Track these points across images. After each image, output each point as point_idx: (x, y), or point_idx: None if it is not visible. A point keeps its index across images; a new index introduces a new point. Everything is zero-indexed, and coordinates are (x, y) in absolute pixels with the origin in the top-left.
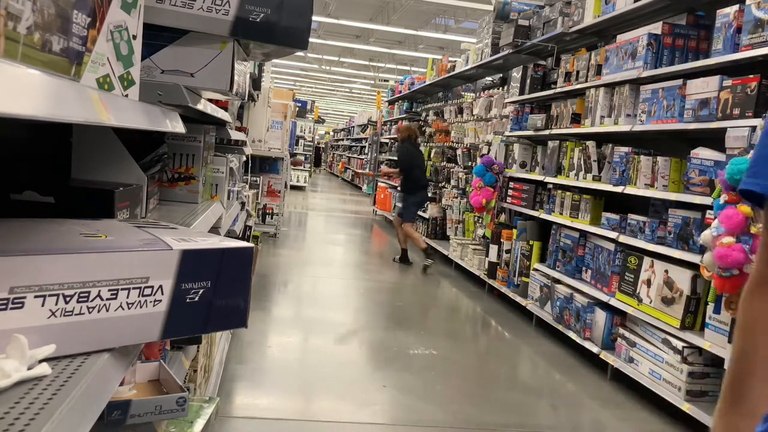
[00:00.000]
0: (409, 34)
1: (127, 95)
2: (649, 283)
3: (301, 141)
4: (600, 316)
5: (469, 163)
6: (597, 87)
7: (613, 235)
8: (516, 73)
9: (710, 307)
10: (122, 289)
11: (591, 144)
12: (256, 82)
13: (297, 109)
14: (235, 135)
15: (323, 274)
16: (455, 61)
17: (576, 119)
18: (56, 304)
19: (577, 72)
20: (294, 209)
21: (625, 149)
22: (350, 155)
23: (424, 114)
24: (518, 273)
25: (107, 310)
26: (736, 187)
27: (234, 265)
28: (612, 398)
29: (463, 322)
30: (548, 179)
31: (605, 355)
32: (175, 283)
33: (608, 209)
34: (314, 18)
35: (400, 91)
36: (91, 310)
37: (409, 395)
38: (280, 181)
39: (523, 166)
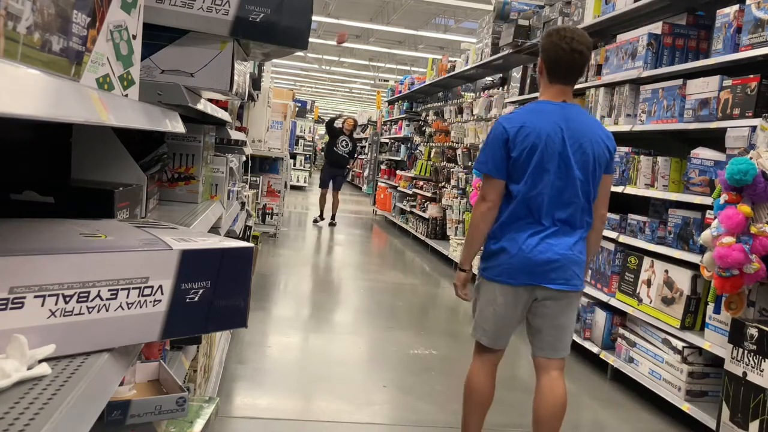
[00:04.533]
0: (409, 34)
1: (126, 95)
2: (649, 283)
3: (301, 141)
4: (600, 316)
5: (469, 163)
6: (597, 87)
7: (613, 235)
8: (516, 73)
9: (710, 307)
10: (122, 289)
11: None
12: (256, 82)
13: (297, 109)
14: (235, 135)
15: (323, 274)
16: (455, 61)
17: None
18: (56, 304)
19: None
20: (294, 209)
21: (625, 149)
22: None
23: (424, 114)
24: None
25: (107, 310)
26: (736, 187)
27: (234, 265)
28: (612, 398)
29: (463, 322)
30: None
31: (605, 355)
32: (175, 283)
33: (608, 209)
34: (314, 18)
35: (400, 91)
36: (90, 310)
37: (409, 395)
38: (280, 181)
39: None
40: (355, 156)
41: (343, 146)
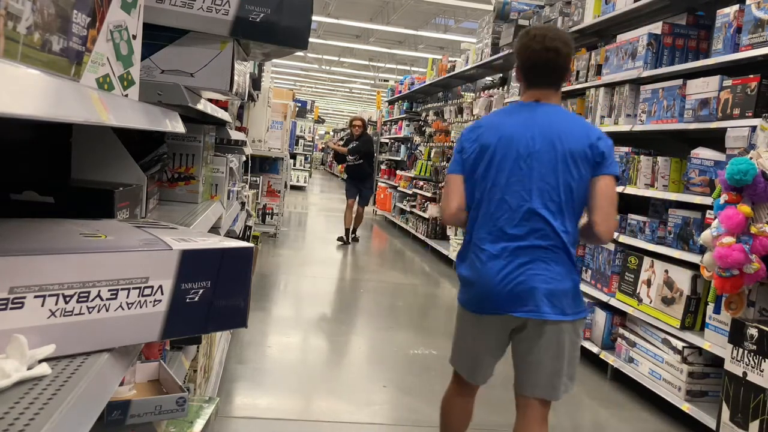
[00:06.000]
0: (409, 34)
1: (127, 95)
2: (649, 283)
3: (301, 141)
4: (600, 316)
5: None
6: (597, 87)
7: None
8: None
9: (710, 307)
10: (122, 289)
11: None
12: (256, 82)
13: (297, 109)
14: (235, 135)
15: (323, 274)
16: (455, 61)
17: None
18: (56, 304)
19: (577, 72)
20: (294, 209)
21: (625, 149)
22: None
23: (424, 114)
24: None
25: (107, 310)
26: (736, 187)
27: (234, 265)
28: (612, 398)
29: None
30: None
31: (605, 355)
32: (175, 283)
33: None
34: (314, 18)
35: (400, 91)
36: (91, 310)
37: (409, 395)
38: (280, 181)
39: None
40: (373, 159)
41: (350, 155)
